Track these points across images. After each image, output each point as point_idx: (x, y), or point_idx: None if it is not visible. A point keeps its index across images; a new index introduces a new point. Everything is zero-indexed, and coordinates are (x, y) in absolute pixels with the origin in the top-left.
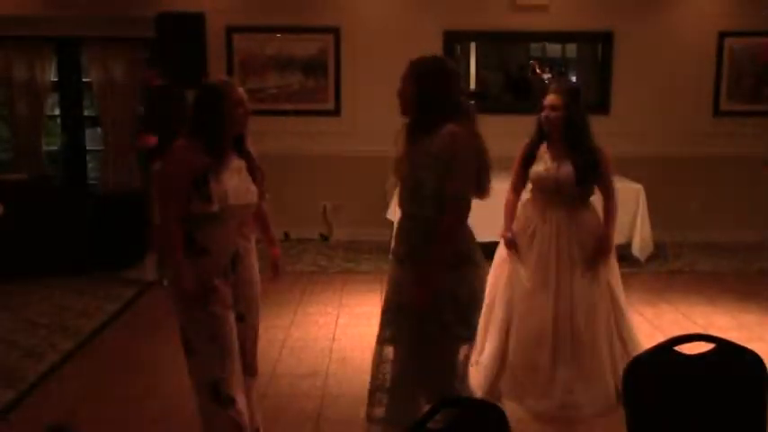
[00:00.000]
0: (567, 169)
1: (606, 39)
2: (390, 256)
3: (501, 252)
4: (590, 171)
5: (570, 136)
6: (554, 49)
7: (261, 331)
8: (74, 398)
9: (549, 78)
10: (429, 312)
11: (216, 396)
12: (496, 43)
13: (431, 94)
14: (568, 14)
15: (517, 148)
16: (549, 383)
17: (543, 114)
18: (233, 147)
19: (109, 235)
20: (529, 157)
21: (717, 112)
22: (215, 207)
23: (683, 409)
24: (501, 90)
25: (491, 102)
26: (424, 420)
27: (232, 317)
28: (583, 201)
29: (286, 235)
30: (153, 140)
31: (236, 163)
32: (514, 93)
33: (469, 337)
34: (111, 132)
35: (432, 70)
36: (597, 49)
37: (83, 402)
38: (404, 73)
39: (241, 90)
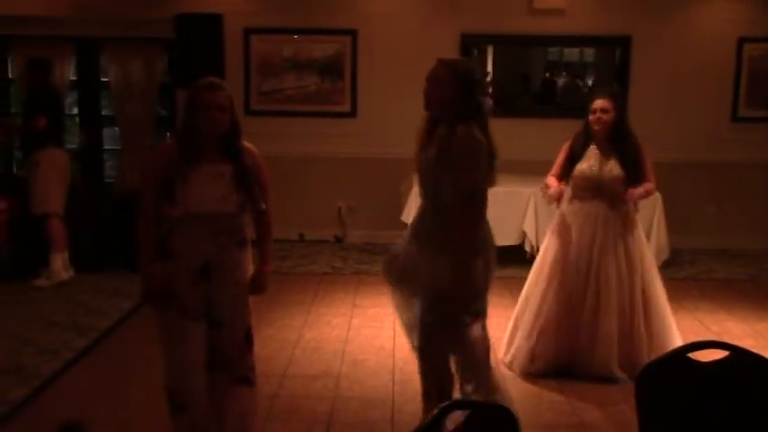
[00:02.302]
0: (613, 169)
1: (624, 43)
2: (411, 237)
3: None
4: (636, 169)
5: (618, 136)
6: (571, 52)
7: (272, 331)
8: (85, 396)
9: (564, 82)
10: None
11: (170, 401)
12: (513, 47)
13: (463, 98)
14: (586, 18)
15: (536, 151)
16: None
17: (595, 117)
18: (216, 150)
19: (125, 233)
20: (576, 155)
21: (735, 117)
22: (177, 211)
23: (697, 416)
24: (521, 93)
25: (508, 105)
26: (434, 422)
27: (195, 326)
28: (622, 197)
29: (301, 236)
30: (43, 122)
31: (218, 168)
32: (538, 97)
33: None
34: (128, 132)
35: (467, 75)
36: (615, 53)
37: (95, 401)
38: (437, 73)
39: (217, 94)
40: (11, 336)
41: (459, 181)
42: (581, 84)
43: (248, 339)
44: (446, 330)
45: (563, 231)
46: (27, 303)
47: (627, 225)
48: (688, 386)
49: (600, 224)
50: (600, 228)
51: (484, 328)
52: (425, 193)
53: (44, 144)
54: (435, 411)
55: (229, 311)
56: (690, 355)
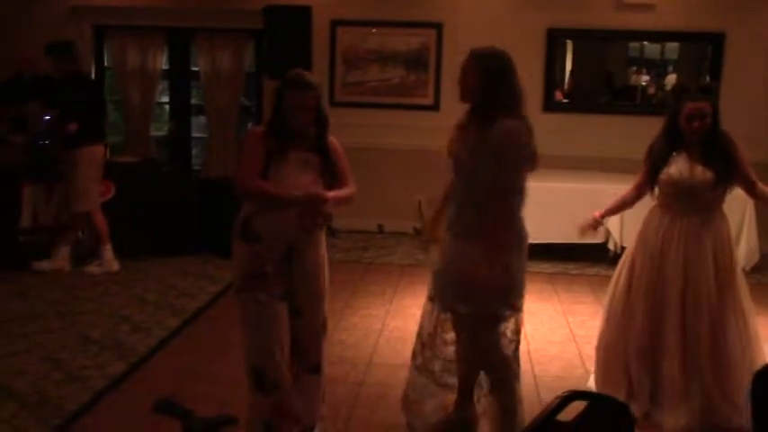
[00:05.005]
0: (702, 173)
1: (717, 40)
2: (450, 234)
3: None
4: (730, 168)
5: (711, 138)
6: (653, 50)
7: (356, 320)
8: (179, 373)
9: (647, 81)
10: (493, 287)
11: (259, 382)
12: (599, 42)
13: (495, 89)
14: (677, 14)
15: (618, 149)
16: (680, 396)
17: (696, 125)
18: (303, 140)
19: (211, 218)
20: (659, 163)
21: None
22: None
23: None
24: (600, 90)
25: (589, 102)
26: (552, 412)
27: (280, 306)
28: (717, 206)
29: (380, 227)
30: (74, 127)
31: (304, 156)
32: (615, 93)
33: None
34: (215, 121)
35: (498, 67)
36: (705, 50)
37: (186, 378)
38: (466, 64)
39: (305, 95)
40: (108, 313)
41: (497, 175)
42: (645, 80)
43: (324, 328)
44: (482, 323)
45: (653, 250)
46: (119, 283)
47: (719, 239)
48: None
49: (692, 245)
50: (692, 250)
51: (518, 324)
52: (464, 187)
53: (80, 143)
54: (557, 401)
55: (307, 299)
56: None
